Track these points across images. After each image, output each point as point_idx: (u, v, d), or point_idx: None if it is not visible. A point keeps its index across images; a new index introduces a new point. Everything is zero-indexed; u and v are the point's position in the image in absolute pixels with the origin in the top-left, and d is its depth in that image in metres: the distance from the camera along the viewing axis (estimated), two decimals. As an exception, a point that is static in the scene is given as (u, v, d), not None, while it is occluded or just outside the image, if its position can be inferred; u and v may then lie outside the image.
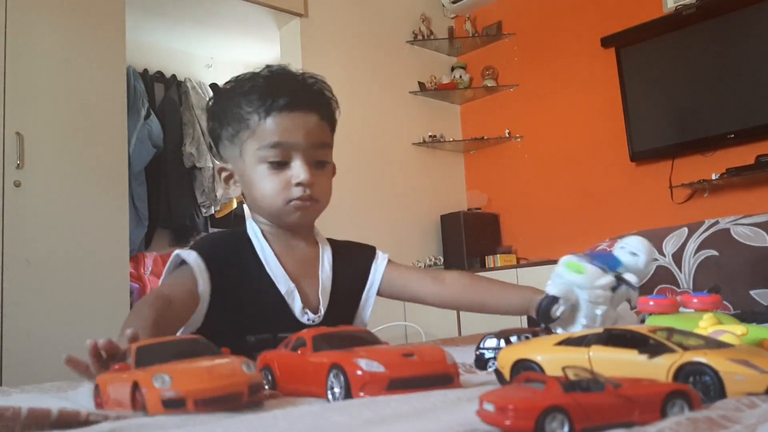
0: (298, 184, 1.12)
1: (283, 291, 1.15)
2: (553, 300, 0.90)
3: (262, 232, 1.20)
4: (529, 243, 4.19)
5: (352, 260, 1.28)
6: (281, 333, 1.08)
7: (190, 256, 1.10)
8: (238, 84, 1.17)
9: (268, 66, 1.19)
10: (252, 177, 1.14)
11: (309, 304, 1.17)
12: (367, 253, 1.31)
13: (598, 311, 0.90)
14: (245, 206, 4.12)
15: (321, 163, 1.16)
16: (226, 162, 1.20)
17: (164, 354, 0.63)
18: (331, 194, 1.22)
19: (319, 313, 1.17)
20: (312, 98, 1.15)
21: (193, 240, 1.30)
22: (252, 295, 1.14)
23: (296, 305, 1.15)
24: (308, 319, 1.15)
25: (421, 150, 4.39)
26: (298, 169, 1.12)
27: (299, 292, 1.16)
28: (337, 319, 1.11)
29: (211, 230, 4.32)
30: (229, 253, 1.17)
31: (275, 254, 1.18)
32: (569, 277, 0.92)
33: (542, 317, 0.91)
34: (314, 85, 1.18)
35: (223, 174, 1.21)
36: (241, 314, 1.12)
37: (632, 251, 0.95)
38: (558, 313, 0.89)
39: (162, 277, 1.15)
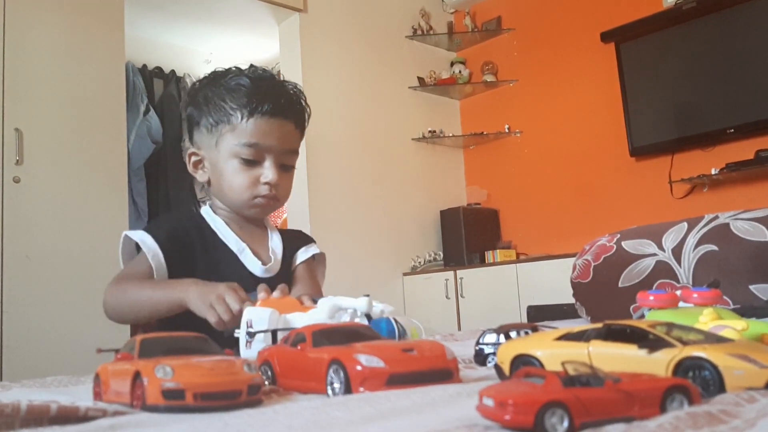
0: (266, 183, 1.24)
1: (234, 249, 1.27)
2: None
3: (215, 213, 1.32)
4: (529, 238, 4.19)
5: (294, 241, 1.40)
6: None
7: (144, 239, 1.20)
8: (224, 78, 1.26)
9: (252, 66, 1.30)
10: (224, 168, 1.24)
11: (260, 259, 1.29)
12: (306, 239, 1.44)
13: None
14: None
15: (287, 167, 1.28)
16: (199, 148, 1.29)
17: (168, 348, 0.64)
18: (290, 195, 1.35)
19: (269, 264, 1.28)
20: (291, 108, 1.27)
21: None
22: (207, 258, 1.25)
23: (248, 259, 1.27)
24: (261, 271, 1.27)
25: (421, 145, 4.39)
26: (268, 170, 1.23)
27: (251, 251, 1.29)
28: (287, 280, 1.28)
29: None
30: (181, 228, 1.27)
31: (227, 226, 1.30)
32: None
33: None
34: (294, 95, 1.29)
35: (193, 158, 1.31)
36: (200, 276, 1.20)
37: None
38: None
39: (120, 261, 1.26)
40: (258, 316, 0.90)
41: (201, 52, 4.63)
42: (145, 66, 4.32)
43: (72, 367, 1.72)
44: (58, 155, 2.75)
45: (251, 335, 0.89)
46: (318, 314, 0.93)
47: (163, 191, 4.18)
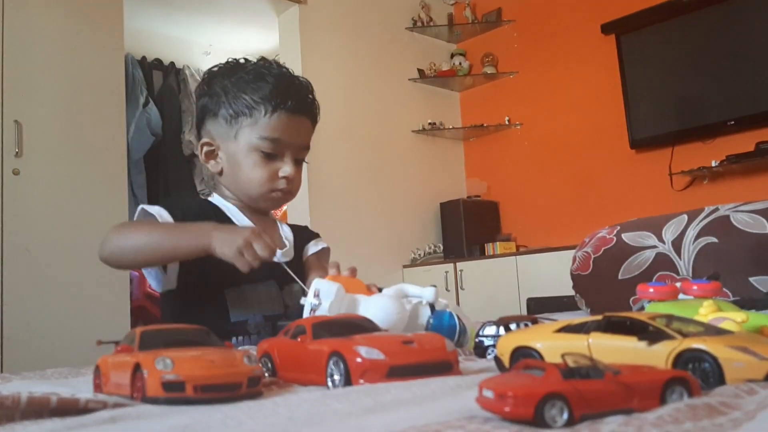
0: (284, 178, 1.25)
1: None
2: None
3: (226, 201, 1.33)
4: (529, 230, 4.19)
5: (303, 234, 1.43)
6: (252, 274, 1.18)
7: (161, 213, 1.20)
8: (243, 70, 1.26)
9: (264, 58, 1.30)
10: (243, 160, 1.25)
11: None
12: (313, 234, 1.46)
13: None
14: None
15: (299, 162, 1.29)
16: (213, 138, 1.28)
17: (168, 340, 0.64)
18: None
19: (285, 249, 1.30)
20: (309, 104, 1.29)
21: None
22: None
23: None
24: (278, 255, 1.23)
25: (421, 137, 4.38)
26: (288, 165, 1.25)
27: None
28: (299, 268, 1.29)
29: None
30: (196, 208, 1.28)
31: (240, 212, 1.31)
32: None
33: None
34: (308, 90, 1.30)
35: (206, 149, 1.29)
36: (213, 263, 1.14)
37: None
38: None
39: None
40: (326, 288, 0.91)
41: (200, 43, 4.61)
42: (144, 58, 4.30)
43: (72, 359, 1.73)
44: (57, 147, 2.74)
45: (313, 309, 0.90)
46: (384, 298, 0.92)
47: (163, 183, 4.17)
